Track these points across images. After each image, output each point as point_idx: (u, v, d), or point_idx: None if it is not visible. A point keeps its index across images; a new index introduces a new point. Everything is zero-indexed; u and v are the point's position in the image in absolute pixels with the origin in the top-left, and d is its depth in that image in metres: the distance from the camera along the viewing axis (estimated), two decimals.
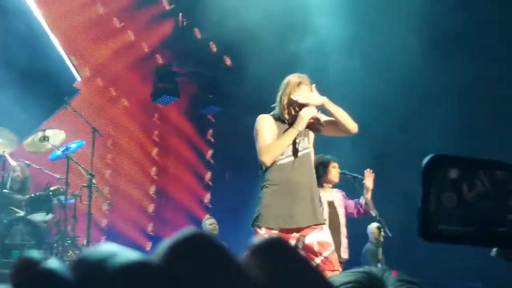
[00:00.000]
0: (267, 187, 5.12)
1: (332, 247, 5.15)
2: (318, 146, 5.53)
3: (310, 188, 5.15)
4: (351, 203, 7.37)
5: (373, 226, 10.00)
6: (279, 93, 5.31)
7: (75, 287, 0.46)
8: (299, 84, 5.19)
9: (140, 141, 13.20)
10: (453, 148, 9.62)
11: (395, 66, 10.28)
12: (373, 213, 7.18)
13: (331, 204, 7.10)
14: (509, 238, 0.78)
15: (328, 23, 10.98)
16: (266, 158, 5.08)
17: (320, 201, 5.62)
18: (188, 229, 0.55)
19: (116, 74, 12.85)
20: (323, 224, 5.18)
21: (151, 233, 13.11)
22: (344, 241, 7.09)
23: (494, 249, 1.14)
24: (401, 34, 10.31)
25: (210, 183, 13.93)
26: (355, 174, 7.29)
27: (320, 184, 6.99)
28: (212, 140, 14.07)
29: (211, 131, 14.09)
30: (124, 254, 0.48)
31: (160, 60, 13.30)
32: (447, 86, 11.03)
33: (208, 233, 0.62)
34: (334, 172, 7.22)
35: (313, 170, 5.28)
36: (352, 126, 5.15)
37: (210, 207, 13.50)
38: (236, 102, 13.34)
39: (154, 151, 13.49)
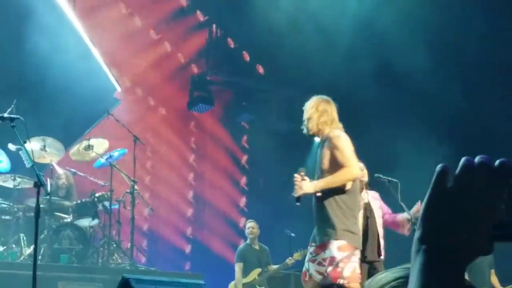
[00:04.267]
0: None
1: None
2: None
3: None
4: (385, 207, 7.42)
5: None
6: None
7: None
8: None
9: (178, 148, 13.42)
10: None
11: None
12: (408, 215, 7.16)
13: (367, 206, 7.18)
14: None
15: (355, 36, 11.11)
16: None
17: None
18: None
19: (154, 84, 13.09)
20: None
21: (190, 236, 13.31)
22: (381, 242, 7.13)
23: None
24: None
25: (245, 187, 14.07)
26: (390, 178, 7.29)
27: None
28: (247, 146, 14.19)
29: (245, 137, 14.20)
30: None
31: (195, 69, 13.52)
32: None
33: None
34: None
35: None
36: None
37: (246, 211, 13.65)
38: (269, 109, 13.51)
39: (191, 157, 13.70)
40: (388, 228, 7.40)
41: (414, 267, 0.89)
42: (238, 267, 9.90)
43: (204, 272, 9.70)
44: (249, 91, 13.53)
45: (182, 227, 13.22)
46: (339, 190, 5.50)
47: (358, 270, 5.44)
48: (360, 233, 5.80)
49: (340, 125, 5.66)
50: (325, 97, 5.79)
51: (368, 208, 7.15)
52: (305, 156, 13.38)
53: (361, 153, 7.60)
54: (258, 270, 9.91)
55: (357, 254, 5.48)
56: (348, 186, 5.51)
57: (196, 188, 13.64)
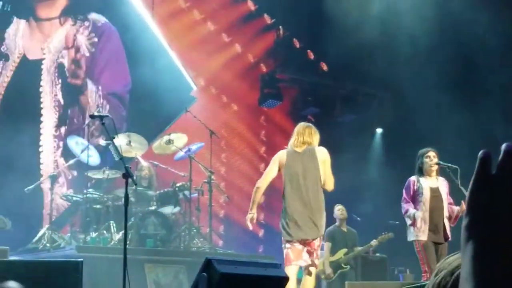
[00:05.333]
0: None
1: None
2: None
3: None
4: (449, 196, 7.26)
5: None
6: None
7: None
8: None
9: (249, 141, 13.48)
10: None
11: None
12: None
13: (435, 190, 7.09)
14: None
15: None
16: None
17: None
18: None
19: (226, 83, 13.17)
20: None
21: (262, 221, 13.32)
22: (447, 223, 7.05)
23: None
24: None
25: None
26: (449, 164, 7.16)
27: (422, 174, 7.14)
28: None
29: None
30: None
31: (264, 68, 13.54)
32: None
33: None
34: (427, 162, 7.17)
35: None
36: None
37: None
38: (332, 102, 13.41)
39: (262, 149, 13.71)
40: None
41: (465, 255, 0.84)
42: (327, 246, 9.83)
43: (276, 255, 9.69)
44: (314, 86, 13.48)
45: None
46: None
47: (290, 255, 6.46)
48: (294, 228, 6.49)
49: (303, 144, 6.63)
50: (302, 123, 6.98)
51: (435, 192, 7.05)
52: (365, 144, 13.27)
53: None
54: (344, 250, 9.81)
55: (288, 244, 6.49)
56: (285, 190, 6.71)
57: None
